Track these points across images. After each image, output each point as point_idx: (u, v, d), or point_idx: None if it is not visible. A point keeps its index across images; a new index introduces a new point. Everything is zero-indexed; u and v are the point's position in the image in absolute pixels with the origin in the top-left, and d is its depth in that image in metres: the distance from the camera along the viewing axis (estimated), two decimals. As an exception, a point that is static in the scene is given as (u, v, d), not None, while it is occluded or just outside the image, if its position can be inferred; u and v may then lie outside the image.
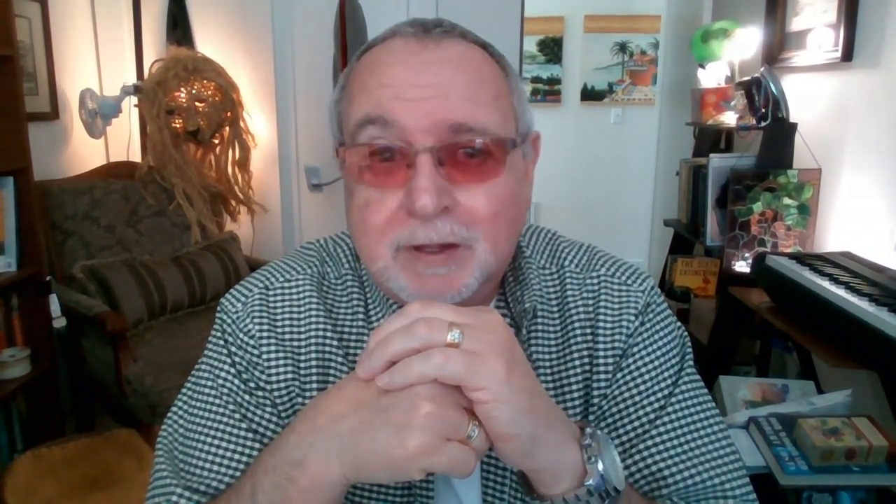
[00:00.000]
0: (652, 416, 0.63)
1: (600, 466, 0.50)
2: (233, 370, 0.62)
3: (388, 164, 0.55)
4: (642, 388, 0.63)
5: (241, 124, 2.76)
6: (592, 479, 0.50)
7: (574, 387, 0.64)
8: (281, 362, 0.62)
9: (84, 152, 2.66)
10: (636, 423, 0.63)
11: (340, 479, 0.48)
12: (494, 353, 0.46)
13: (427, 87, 0.54)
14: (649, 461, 0.61)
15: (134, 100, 2.67)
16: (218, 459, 0.59)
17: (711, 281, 2.73)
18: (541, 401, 0.49)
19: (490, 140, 0.55)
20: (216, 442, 0.60)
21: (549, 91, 4.29)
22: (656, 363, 0.64)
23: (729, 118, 2.53)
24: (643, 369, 0.64)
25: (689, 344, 0.68)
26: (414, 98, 0.53)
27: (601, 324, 0.65)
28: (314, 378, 0.63)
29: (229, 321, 0.64)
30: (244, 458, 0.59)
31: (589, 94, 4.28)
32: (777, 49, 2.38)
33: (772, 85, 2.13)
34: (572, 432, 0.51)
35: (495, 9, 2.47)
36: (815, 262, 1.74)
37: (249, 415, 0.61)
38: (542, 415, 0.48)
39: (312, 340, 0.63)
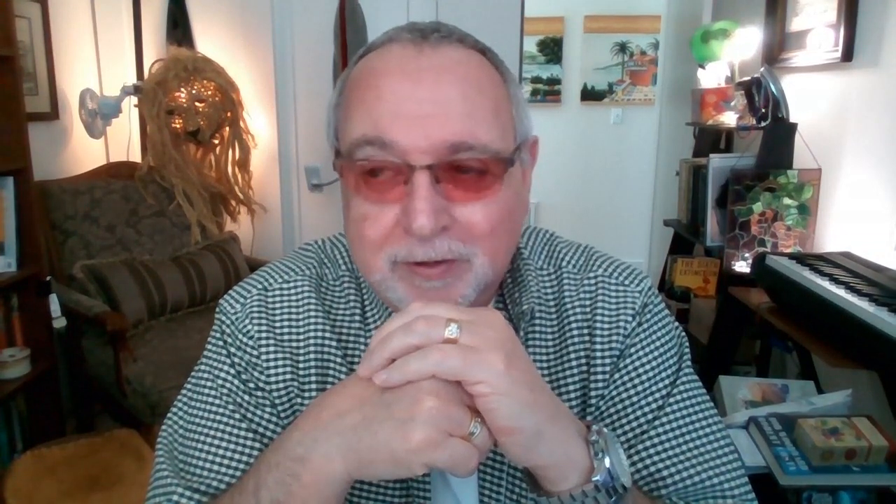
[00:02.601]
0: (650, 416, 0.63)
1: (608, 462, 0.50)
2: (232, 371, 0.63)
3: (386, 179, 0.55)
4: (640, 388, 0.63)
5: (241, 124, 2.76)
6: (600, 475, 0.50)
7: (571, 387, 0.64)
8: (280, 363, 0.62)
9: (84, 152, 2.66)
10: (634, 424, 0.63)
11: (343, 475, 0.48)
12: (492, 346, 0.46)
13: (425, 102, 0.53)
14: (648, 461, 0.61)
15: (134, 100, 2.67)
16: (218, 459, 0.59)
17: (711, 281, 2.73)
18: (543, 395, 0.49)
19: (489, 157, 0.54)
20: (216, 442, 0.60)
21: (549, 91, 4.29)
22: (654, 364, 0.64)
23: (729, 118, 2.53)
24: (641, 370, 0.64)
25: (687, 344, 0.68)
26: (412, 115, 0.53)
27: (598, 324, 0.65)
28: (313, 379, 0.63)
29: (228, 322, 0.64)
30: (244, 458, 0.60)
31: (589, 94, 4.29)
32: (777, 49, 2.38)
33: (772, 85, 2.13)
34: (578, 429, 0.51)
35: (495, 9, 2.47)
36: (815, 262, 1.74)
37: (249, 415, 0.61)
38: (544, 408, 0.48)
39: (311, 341, 0.63)
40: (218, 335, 0.65)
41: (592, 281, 0.67)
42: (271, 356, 0.62)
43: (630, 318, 0.65)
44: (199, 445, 0.60)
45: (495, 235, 0.56)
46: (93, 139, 2.63)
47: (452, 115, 0.53)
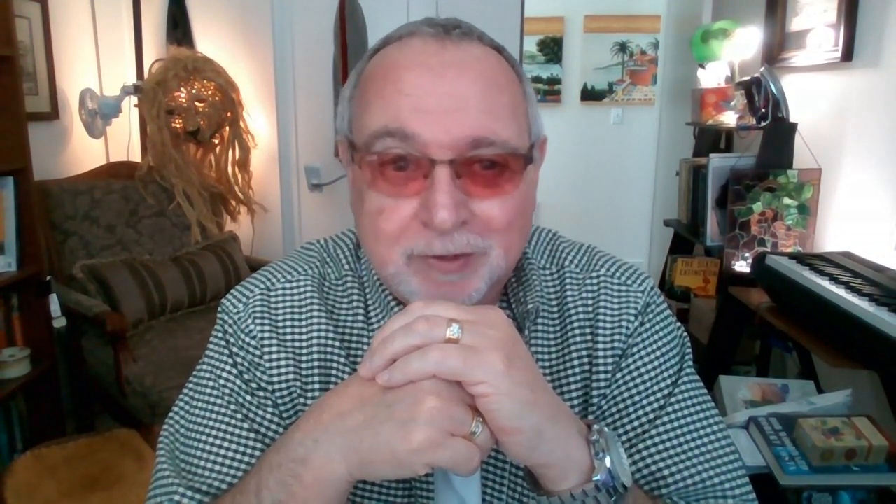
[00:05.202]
0: (651, 416, 0.63)
1: (608, 462, 0.50)
2: (234, 370, 0.62)
3: (404, 172, 0.55)
4: (642, 388, 0.63)
5: (241, 124, 2.76)
6: (600, 475, 0.49)
7: (573, 387, 0.64)
8: (282, 363, 0.62)
9: (84, 152, 2.66)
10: (636, 423, 0.63)
11: (345, 476, 0.48)
12: (493, 346, 0.46)
13: (446, 97, 0.53)
14: (649, 461, 0.62)
15: (134, 100, 2.67)
16: (220, 459, 0.59)
17: (711, 281, 2.73)
18: (544, 394, 0.49)
19: (508, 154, 0.55)
20: (218, 442, 0.60)
21: (549, 91, 4.29)
22: (656, 363, 0.64)
23: (729, 118, 2.53)
24: (643, 369, 0.64)
25: (689, 344, 0.68)
26: (433, 109, 0.53)
27: (601, 324, 0.65)
28: (316, 379, 0.63)
29: (230, 322, 0.64)
30: (246, 458, 0.59)
31: (589, 94, 4.28)
32: (777, 49, 2.38)
33: (772, 85, 2.13)
34: (578, 428, 0.51)
35: (495, 9, 2.46)
36: (815, 262, 1.74)
37: (251, 415, 0.61)
38: (545, 408, 0.48)
39: (314, 341, 0.63)
40: (220, 335, 0.65)
41: (595, 281, 0.67)
42: (274, 356, 0.62)
43: (632, 318, 0.65)
44: (201, 445, 0.60)
45: (511, 230, 0.56)
46: (93, 139, 2.63)
47: (473, 111, 0.53)
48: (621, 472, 0.50)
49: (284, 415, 0.62)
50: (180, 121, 2.61)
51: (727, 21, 2.64)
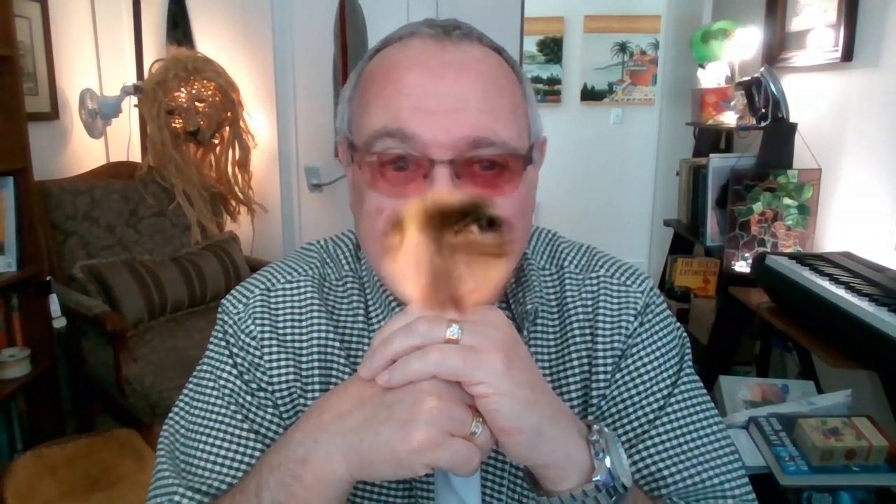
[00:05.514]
0: (651, 416, 0.63)
1: (608, 462, 0.50)
2: (234, 371, 0.62)
3: (404, 173, 0.55)
4: (641, 388, 0.63)
5: (241, 124, 2.76)
6: (601, 475, 0.49)
7: (573, 387, 0.64)
8: (283, 363, 0.62)
9: (84, 152, 2.66)
10: (635, 424, 0.63)
11: (345, 476, 0.48)
12: (493, 347, 0.46)
13: (446, 97, 0.53)
14: (648, 461, 0.62)
15: (134, 100, 2.67)
16: (220, 460, 0.59)
17: (711, 281, 2.73)
18: (544, 395, 0.49)
19: (508, 154, 0.55)
20: (218, 442, 0.60)
21: (549, 91, 4.29)
22: (655, 364, 0.64)
23: (729, 118, 2.53)
24: (642, 370, 0.64)
25: (689, 345, 0.68)
26: (433, 110, 0.53)
27: (600, 324, 0.65)
28: (316, 379, 0.63)
29: (231, 322, 0.64)
30: (246, 459, 0.59)
31: (589, 94, 4.28)
32: (777, 49, 2.38)
33: (772, 85, 2.13)
34: (578, 428, 0.51)
35: (495, 9, 2.47)
36: (815, 262, 1.74)
37: (251, 415, 0.61)
38: (545, 408, 0.48)
39: (315, 342, 0.63)
40: (220, 335, 0.65)
41: (594, 281, 0.67)
42: (274, 357, 0.62)
43: (632, 319, 0.65)
44: (201, 446, 0.60)
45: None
46: (93, 139, 2.63)
47: (473, 111, 0.54)
48: (621, 473, 0.50)
49: (284, 415, 0.62)
50: (180, 121, 2.61)
51: (727, 21, 2.64)
